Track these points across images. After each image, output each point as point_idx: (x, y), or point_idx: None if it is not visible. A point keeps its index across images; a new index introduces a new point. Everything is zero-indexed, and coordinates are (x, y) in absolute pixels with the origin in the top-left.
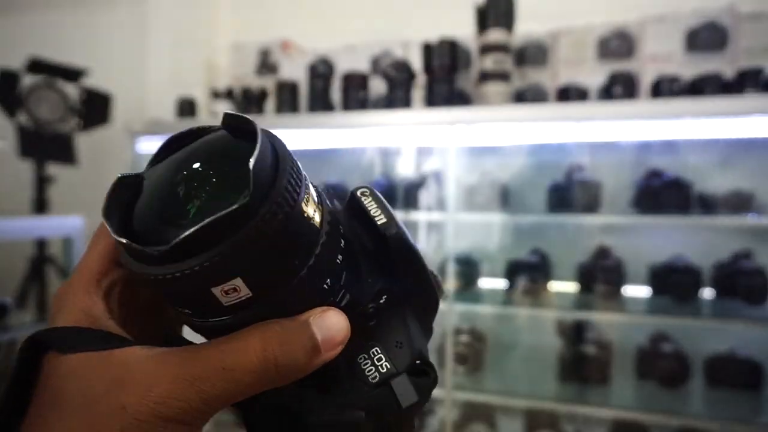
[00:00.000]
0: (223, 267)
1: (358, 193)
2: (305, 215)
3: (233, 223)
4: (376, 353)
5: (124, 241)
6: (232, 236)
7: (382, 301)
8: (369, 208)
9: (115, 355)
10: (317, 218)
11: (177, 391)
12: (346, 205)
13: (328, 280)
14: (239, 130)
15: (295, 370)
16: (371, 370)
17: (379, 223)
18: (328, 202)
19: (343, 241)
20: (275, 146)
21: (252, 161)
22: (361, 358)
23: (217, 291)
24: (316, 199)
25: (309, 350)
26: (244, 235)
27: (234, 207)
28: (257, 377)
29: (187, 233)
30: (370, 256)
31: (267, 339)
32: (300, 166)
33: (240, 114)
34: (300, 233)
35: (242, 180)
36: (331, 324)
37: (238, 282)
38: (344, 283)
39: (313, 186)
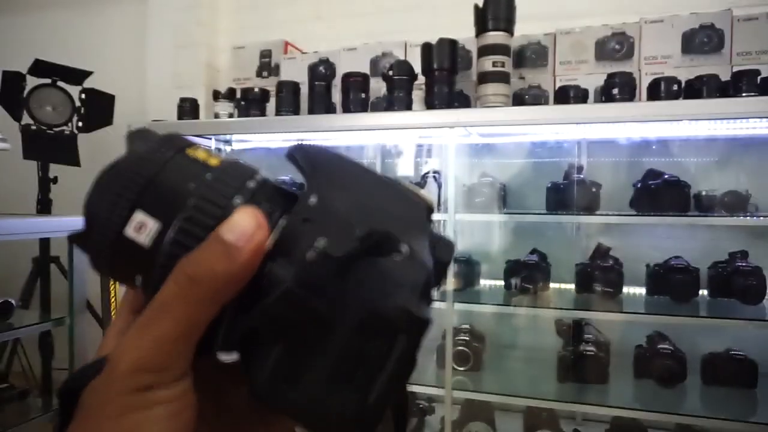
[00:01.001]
0: (115, 205)
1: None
2: (191, 156)
3: (113, 172)
4: (320, 241)
5: (68, 235)
6: (113, 180)
7: (310, 202)
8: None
9: None
10: (213, 161)
11: (131, 343)
12: None
13: (238, 198)
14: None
15: (223, 279)
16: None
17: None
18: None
19: (263, 177)
20: (175, 134)
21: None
22: (309, 255)
23: (130, 232)
24: (213, 152)
25: (224, 253)
26: (123, 171)
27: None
28: (187, 301)
29: (85, 200)
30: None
31: (181, 263)
32: (192, 140)
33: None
34: (184, 166)
35: None
36: (236, 221)
37: (140, 215)
38: (261, 200)
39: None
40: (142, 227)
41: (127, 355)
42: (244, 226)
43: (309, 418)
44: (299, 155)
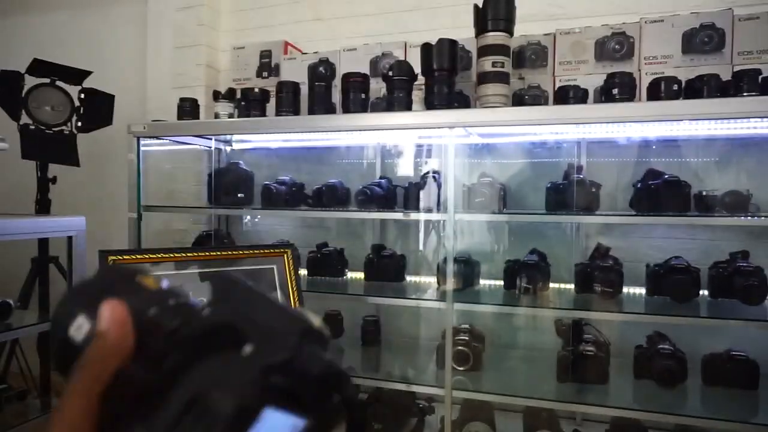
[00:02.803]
0: (64, 312)
1: None
2: (139, 281)
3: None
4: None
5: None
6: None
7: (203, 312)
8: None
9: None
10: (154, 287)
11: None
12: None
13: (153, 309)
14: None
15: (100, 357)
16: None
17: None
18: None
19: (184, 301)
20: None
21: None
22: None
23: (72, 332)
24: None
25: (99, 339)
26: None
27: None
28: (83, 382)
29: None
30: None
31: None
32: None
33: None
34: (129, 284)
35: None
36: (100, 314)
37: (81, 318)
38: (172, 313)
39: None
40: (80, 328)
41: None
42: (105, 314)
43: None
44: (214, 282)
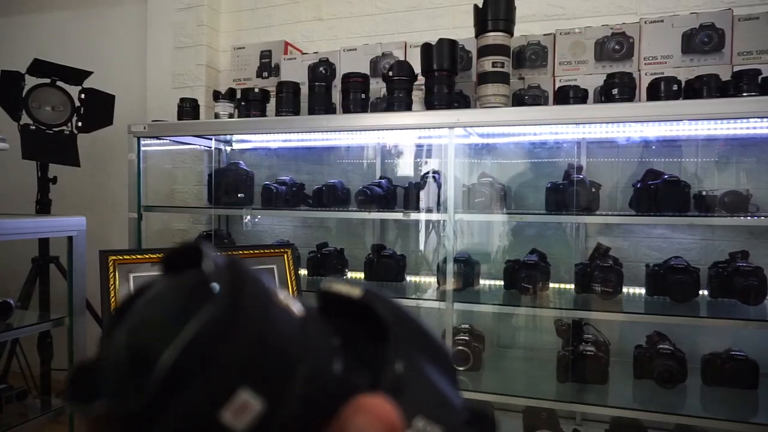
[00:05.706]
0: (224, 379)
1: (323, 286)
2: (282, 305)
3: (213, 335)
4: (419, 422)
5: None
6: (218, 347)
7: (397, 370)
8: (340, 290)
9: None
10: (295, 307)
11: None
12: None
13: (337, 363)
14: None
15: None
16: None
17: (353, 296)
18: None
19: (329, 327)
20: (231, 259)
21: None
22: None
23: (228, 415)
24: (287, 292)
25: None
26: (234, 336)
27: (207, 313)
28: None
29: (168, 357)
30: (361, 337)
31: None
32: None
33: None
34: (282, 320)
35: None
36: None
37: (244, 395)
38: (351, 363)
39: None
40: (244, 410)
41: None
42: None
43: None
44: (380, 305)
